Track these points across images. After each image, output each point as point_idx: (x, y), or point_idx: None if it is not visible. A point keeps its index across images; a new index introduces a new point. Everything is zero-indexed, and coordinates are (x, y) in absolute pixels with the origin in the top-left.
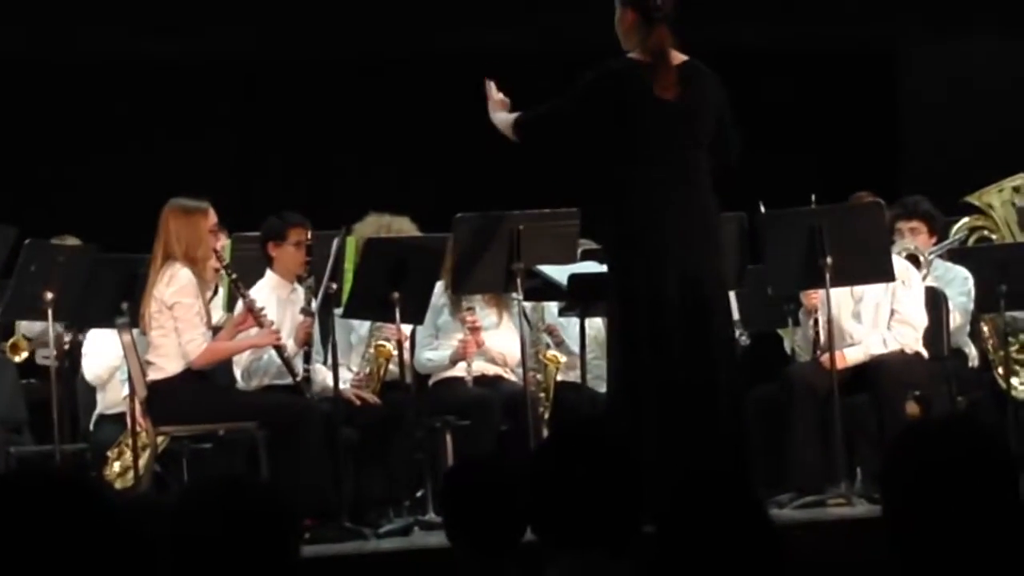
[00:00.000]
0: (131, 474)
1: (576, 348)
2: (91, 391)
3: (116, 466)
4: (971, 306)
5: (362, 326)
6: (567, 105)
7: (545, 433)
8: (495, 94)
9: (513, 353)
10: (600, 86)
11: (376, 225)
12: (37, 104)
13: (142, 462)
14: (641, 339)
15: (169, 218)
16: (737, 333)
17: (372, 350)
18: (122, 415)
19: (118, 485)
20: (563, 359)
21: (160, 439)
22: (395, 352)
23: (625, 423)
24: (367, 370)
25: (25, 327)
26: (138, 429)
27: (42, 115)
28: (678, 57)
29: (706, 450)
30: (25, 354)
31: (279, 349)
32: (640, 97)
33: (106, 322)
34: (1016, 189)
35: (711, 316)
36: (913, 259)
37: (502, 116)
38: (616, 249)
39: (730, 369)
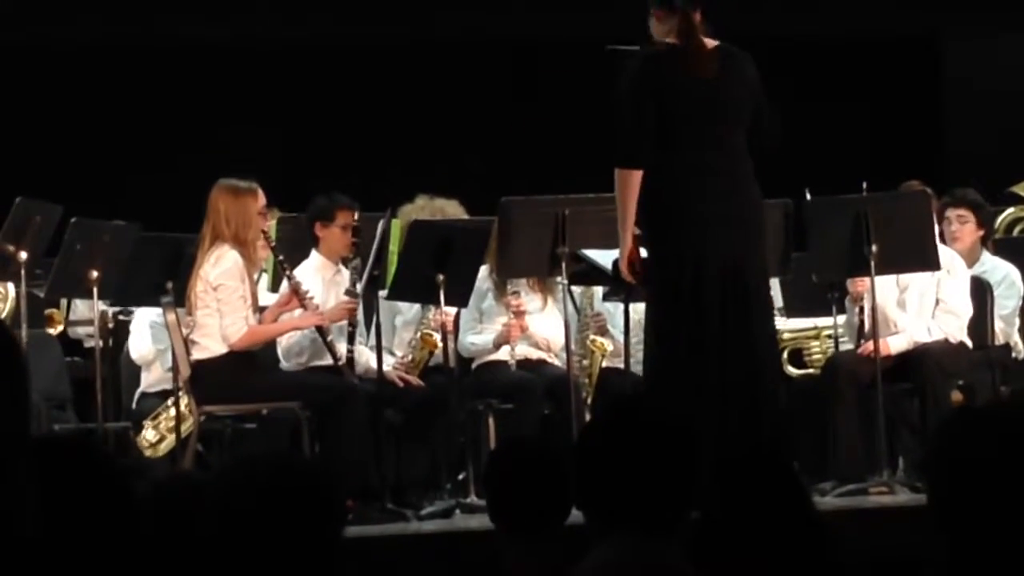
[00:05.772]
0: (163, 445)
1: (620, 335)
2: (135, 370)
3: (150, 434)
4: (1020, 302)
5: (409, 309)
6: (626, 111)
7: (588, 418)
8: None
9: (557, 338)
10: (639, 74)
11: (424, 208)
12: (87, 88)
13: (182, 435)
14: (679, 325)
15: (218, 198)
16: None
17: (419, 336)
18: (165, 393)
19: (148, 454)
20: (610, 347)
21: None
22: (440, 344)
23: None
24: (409, 357)
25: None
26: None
27: (91, 98)
28: (710, 42)
29: (746, 437)
30: (60, 327)
31: (322, 331)
32: (675, 78)
33: (150, 301)
34: None
35: (751, 301)
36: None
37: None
38: (654, 235)
39: (770, 356)
